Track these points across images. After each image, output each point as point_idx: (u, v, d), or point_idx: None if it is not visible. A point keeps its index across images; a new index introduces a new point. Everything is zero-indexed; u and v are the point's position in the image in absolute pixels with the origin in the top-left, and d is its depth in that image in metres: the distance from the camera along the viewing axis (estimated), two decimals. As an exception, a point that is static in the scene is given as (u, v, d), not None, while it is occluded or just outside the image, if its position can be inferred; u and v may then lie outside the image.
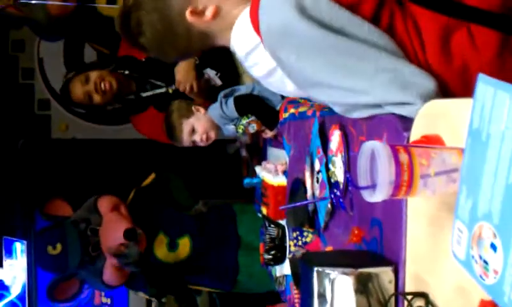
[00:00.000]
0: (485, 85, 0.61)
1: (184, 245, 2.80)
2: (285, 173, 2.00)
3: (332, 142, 1.40)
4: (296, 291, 1.78)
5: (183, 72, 2.37)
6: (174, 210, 2.99)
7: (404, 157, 0.73)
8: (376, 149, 0.75)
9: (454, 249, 0.68)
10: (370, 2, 1.03)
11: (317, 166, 1.48)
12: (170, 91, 2.54)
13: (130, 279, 2.89)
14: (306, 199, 1.52)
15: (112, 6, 3.41)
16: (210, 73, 2.42)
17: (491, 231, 0.59)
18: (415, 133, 0.92)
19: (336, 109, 1.20)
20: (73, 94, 2.57)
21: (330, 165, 1.41)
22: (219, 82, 2.48)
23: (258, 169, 2.18)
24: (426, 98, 0.98)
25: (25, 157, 4.37)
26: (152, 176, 3.05)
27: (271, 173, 2.01)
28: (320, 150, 1.46)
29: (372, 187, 0.77)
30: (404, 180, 0.73)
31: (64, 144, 5.07)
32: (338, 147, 1.37)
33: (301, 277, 1.18)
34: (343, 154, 1.33)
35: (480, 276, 0.61)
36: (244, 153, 4.09)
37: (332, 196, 1.22)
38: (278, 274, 1.93)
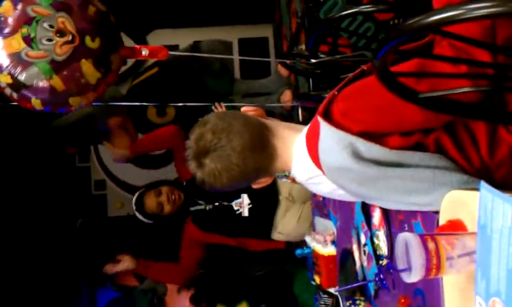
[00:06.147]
0: (486, 191, 0.81)
1: None
2: (333, 242, 2.18)
3: (374, 218, 1.59)
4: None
5: None
6: (229, 278, 3.21)
7: (431, 245, 0.92)
8: (408, 240, 0.94)
9: (477, 319, 0.85)
10: (413, 140, 1.16)
11: (362, 239, 1.66)
12: (207, 208, 3.01)
13: None
14: (356, 271, 1.70)
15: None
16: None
17: (501, 306, 0.76)
18: (443, 217, 1.10)
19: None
20: (147, 205, 2.99)
21: (375, 239, 1.59)
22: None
23: (308, 239, 2.36)
24: None
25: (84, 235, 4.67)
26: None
27: (321, 244, 2.19)
28: (365, 225, 1.64)
29: (409, 269, 0.96)
30: (434, 264, 0.91)
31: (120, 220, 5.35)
32: (380, 222, 1.55)
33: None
34: (385, 229, 1.51)
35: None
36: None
37: (376, 279, 1.39)
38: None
